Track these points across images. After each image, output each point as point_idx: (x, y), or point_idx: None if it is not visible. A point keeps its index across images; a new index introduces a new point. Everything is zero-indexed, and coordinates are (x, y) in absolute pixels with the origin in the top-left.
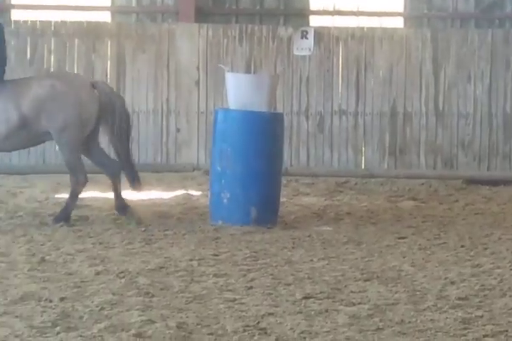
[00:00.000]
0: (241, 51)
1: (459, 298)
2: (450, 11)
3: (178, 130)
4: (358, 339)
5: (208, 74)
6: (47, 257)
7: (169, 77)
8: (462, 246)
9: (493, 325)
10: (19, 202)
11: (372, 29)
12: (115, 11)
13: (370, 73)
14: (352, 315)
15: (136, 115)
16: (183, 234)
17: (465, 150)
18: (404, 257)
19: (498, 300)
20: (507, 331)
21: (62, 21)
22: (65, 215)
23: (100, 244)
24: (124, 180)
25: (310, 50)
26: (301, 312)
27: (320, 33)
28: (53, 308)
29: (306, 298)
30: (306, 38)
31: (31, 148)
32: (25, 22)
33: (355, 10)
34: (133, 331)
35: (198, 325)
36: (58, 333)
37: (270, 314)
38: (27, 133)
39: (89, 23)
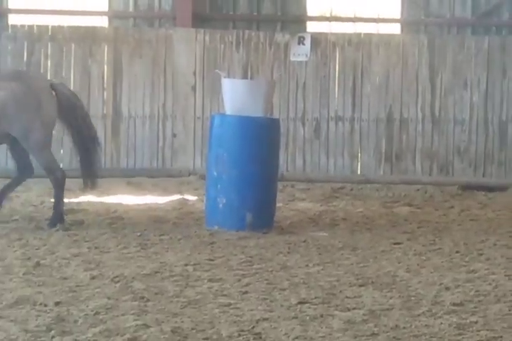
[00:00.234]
0: (238, 57)
1: (454, 304)
2: (447, 18)
3: (174, 135)
4: None
5: (205, 80)
6: (42, 261)
7: (166, 82)
8: (457, 252)
9: (488, 330)
10: (14, 206)
11: (369, 35)
12: (112, 15)
13: (367, 79)
14: (347, 320)
15: (132, 120)
16: (179, 239)
17: (461, 156)
18: (399, 263)
19: (492, 306)
20: (501, 337)
21: (59, 26)
22: (57, 216)
23: (95, 248)
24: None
25: (307, 55)
26: (296, 318)
27: (317, 39)
28: (48, 312)
29: (301, 303)
30: (303, 44)
31: None
32: (23, 26)
33: (352, 16)
34: (128, 335)
35: (192, 329)
36: (53, 337)
37: (265, 319)
38: None
39: (86, 27)
